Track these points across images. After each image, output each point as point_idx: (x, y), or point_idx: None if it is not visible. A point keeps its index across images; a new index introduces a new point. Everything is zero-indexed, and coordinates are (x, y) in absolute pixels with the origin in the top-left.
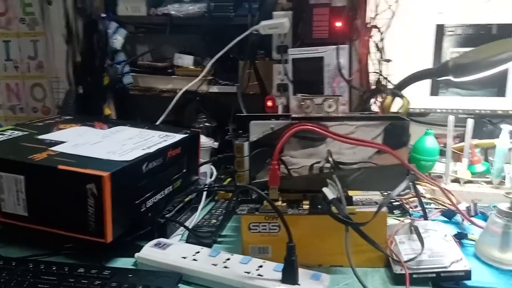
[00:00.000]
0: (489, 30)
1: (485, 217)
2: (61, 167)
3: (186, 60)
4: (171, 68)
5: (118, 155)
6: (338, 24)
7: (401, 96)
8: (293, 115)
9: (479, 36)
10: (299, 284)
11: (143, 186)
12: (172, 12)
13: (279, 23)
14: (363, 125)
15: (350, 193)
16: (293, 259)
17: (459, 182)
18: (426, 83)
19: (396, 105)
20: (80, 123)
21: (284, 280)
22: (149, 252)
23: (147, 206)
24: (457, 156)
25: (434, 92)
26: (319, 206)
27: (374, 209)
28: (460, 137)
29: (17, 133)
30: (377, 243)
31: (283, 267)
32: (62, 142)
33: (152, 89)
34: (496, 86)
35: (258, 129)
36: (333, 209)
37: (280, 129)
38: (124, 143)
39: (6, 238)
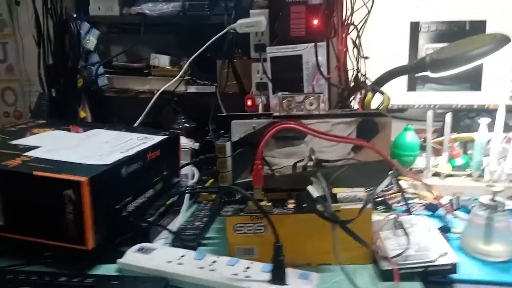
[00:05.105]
0: (463, 26)
1: (467, 210)
2: (36, 173)
3: (162, 60)
4: (147, 68)
5: (96, 159)
6: (315, 21)
7: (382, 93)
8: (275, 114)
9: (453, 32)
10: (288, 284)
11: (123, 190)
12: (146, 12)
13: (256, 21)
14: (341, 122)
15: (334, 190)
16: (281, 259)
17: (440, 176)
18: (403, 79)
19: (376, 102)
20: (54, 127)
21: (272, 281)
22: (132, 258)
23: (128, 210)
24: (437, 150)
25: (411, 87)
26: (304, 205)
27: (359, 206)
28: (438, 132)
29: None
30: (364, 240)
31: (271, 268)
32: (36, 147)
33: (128, 90)
34: (470, 81)
35: (239, 129)
36: (319, 207)
37: (262, 128)
38: (102, 147)
39: None
